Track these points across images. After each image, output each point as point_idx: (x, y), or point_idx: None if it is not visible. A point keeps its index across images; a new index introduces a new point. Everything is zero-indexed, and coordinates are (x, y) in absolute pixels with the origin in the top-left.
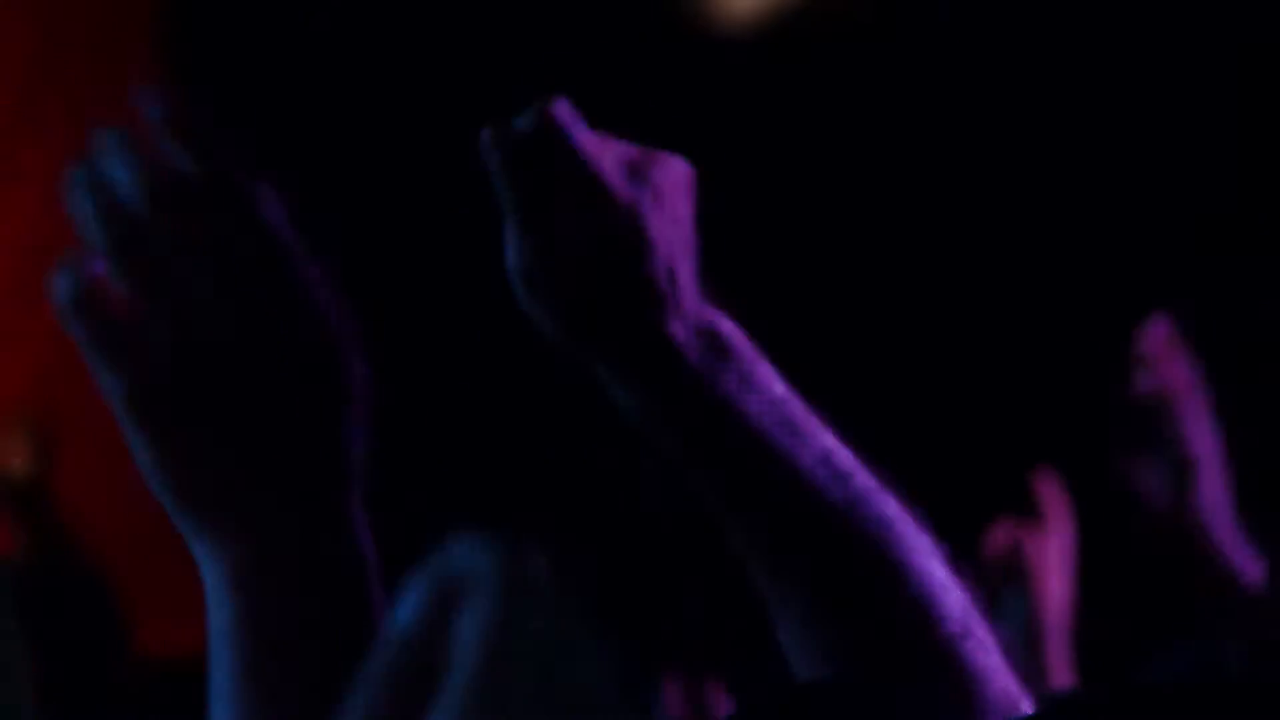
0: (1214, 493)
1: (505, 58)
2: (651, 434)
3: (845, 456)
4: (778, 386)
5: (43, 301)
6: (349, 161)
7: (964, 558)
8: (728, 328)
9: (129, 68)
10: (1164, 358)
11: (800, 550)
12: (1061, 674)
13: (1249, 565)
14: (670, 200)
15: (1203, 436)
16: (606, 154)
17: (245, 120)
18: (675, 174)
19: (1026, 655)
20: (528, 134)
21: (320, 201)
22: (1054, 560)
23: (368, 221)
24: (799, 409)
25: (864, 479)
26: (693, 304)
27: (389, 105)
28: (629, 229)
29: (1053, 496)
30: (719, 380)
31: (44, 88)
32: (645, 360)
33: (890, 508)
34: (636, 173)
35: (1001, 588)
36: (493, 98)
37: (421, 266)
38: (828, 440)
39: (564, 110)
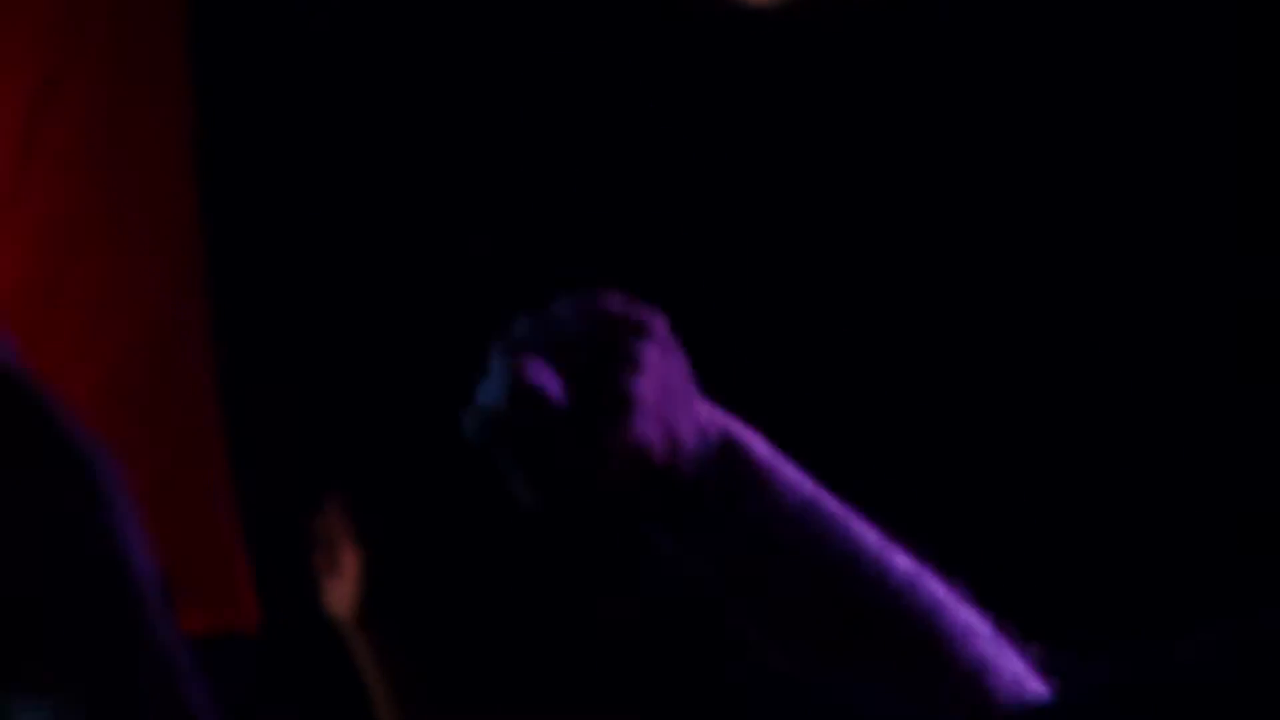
0: None
1: (504, 45)
2: (687, 572)
3: (881, 543)
4: (804, 488)
5: (61, 283)
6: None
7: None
8: (743, 439)
9: (155, 41)
10: None
11: (839, 645)
12: None
13: None
14: (654, 366)
15: None
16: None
17: (279, 109)
18: (657, 338)
19: None
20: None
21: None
22: None
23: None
24: (828, 506)
25: (904, 563)
26: (697, 438)
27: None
28: (608, 431)
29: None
30: (743, 507)
31: (67, 64)
32: (666, 518)
33: (935, 591)
34: (613, 353)
35: None
36: (494, 87)
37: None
38: (860, 531)
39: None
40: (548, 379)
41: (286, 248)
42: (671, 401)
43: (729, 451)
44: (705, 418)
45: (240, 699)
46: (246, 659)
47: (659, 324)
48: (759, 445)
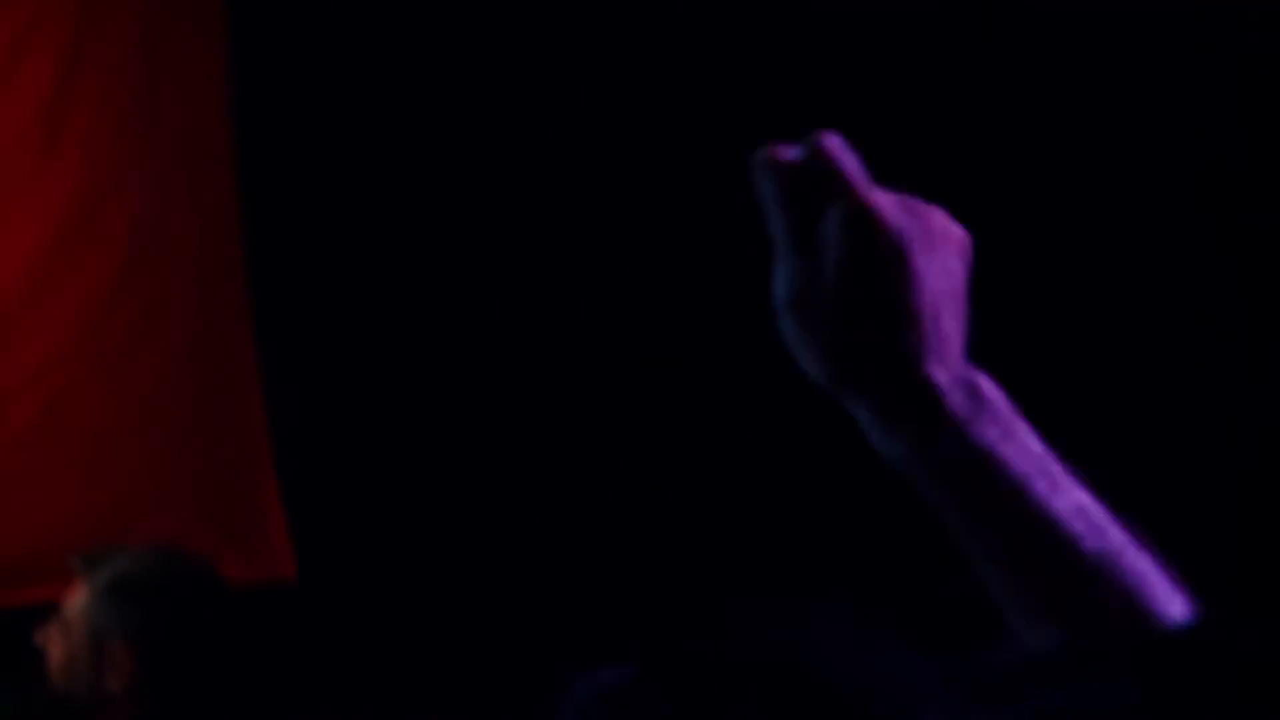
0: None
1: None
2: (910, 475)
3: (1100, 512)
4: (1035, 443)
5: (98, 226)
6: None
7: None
8: (989, 384)
9: None
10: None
11: (1051, 595)
12: None
13: None
14: (942, 251)
15: None
16: (879, 193)
17: (317, 62)
18: (951, 231)
19: None
20: (802, 162)
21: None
22: None
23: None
24: (1057, 465)
25: (1118, 534)
26: (956, 355)
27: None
28: (897, 261)
29: None
30: (980, 428)
31: (98, 16)
32: (908, 398)
33: (1145, 564)
34: (910, 212)
35: None
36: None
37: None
38: (1084, 495)
39: (836, 142)
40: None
41: (323, 197)
42: (942, 296)
43: (977, 383)
44: (961, 354)
45: (279, 642)
46: (284, 606)
47: (957, 229)
48: (1002, 397)
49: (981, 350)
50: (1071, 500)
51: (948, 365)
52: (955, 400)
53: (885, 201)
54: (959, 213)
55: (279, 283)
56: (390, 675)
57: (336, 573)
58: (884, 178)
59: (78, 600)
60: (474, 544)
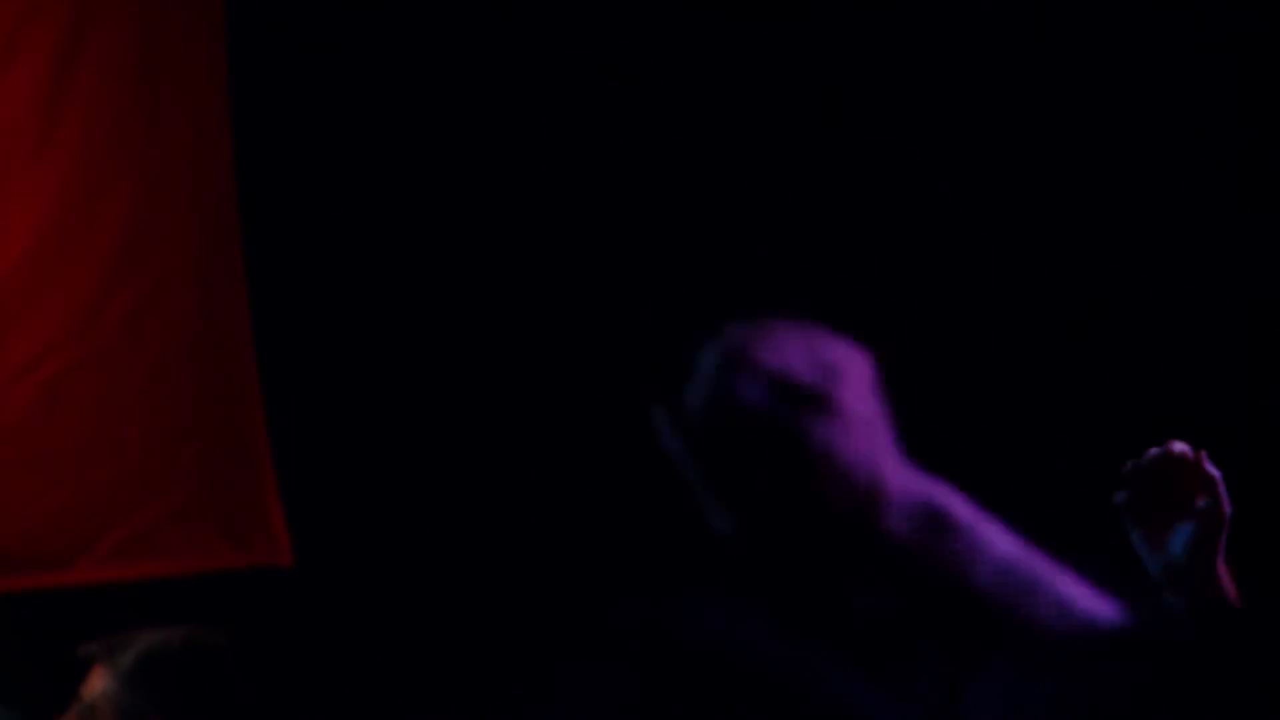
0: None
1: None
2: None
3: (1084, 600)
4: (1005, 546)
5: (95, 214)
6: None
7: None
8: (944, 499)
9: None
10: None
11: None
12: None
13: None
14: (855, 408)
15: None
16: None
17: (313, 53)
18: (858, 375)
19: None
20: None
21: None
22: None
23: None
24: (1032, 564)
25: (1107, 615)
26: (902, 491)
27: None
28: (814, 467)
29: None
30: (942, 555)
31: (96, 8)
32: (874, 561)
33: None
34: (813, 397)
35: None
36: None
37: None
38: (1062, 590)
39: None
40: (756, 389)
41: (321, 194)
42: (872, 450)
43: (932, 507)
44: (908, 480)
45: (275, 627)
46: (282, 592)
47: (868, 364)
48: (961, 507)
49: (982, 351)
50: (1049, 603)
51: (898, 509)
52: (914, 539)
53: (785, 403)
54: (959, 213)
55: (277, 277)
56: (387, 667)
57: (334, 560)
58: (881, 172)
59: (100, 685)
60: (470, 534)
